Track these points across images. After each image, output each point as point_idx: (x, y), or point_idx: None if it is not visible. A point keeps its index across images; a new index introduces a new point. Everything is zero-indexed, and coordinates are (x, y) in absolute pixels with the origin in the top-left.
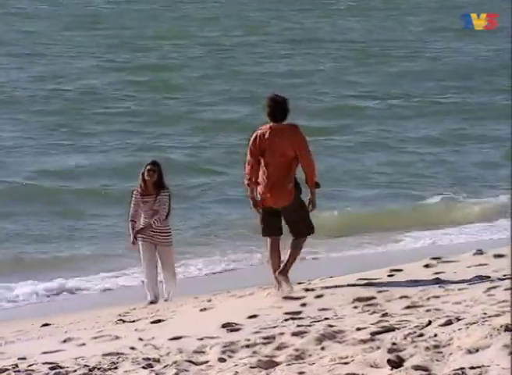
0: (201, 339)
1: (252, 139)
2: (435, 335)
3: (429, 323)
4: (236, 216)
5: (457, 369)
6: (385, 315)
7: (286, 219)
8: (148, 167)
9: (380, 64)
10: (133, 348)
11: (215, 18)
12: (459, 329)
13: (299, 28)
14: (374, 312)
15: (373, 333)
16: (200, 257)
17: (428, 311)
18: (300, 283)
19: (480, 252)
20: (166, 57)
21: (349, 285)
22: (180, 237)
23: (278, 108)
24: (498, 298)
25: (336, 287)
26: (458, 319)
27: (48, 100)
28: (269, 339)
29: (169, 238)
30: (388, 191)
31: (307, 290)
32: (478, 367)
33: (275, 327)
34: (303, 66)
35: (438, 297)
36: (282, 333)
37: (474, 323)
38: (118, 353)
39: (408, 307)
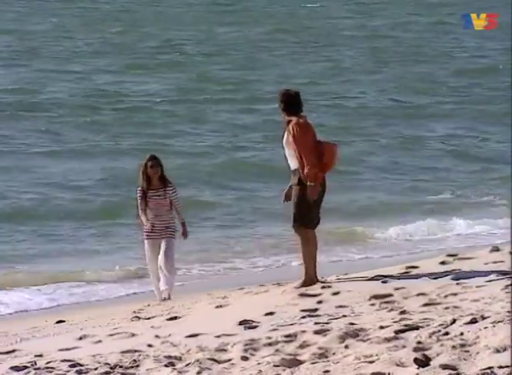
0: (219, 336)
1: (304, 131)
2: (461, 334)
3: (454, 321)
4: None
5: (486, 369)
6: (403, 312)
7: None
8: (150, 163)
9: None
10: (150, 346)
11: None
12: (485, 327)
13: None
14: (391, 310)
15: (397, 332)
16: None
17: (446, 308)
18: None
19: (496, 249)
20: None
21: (365, 282)
22: None
23: (298, 101)
24: None
25: (352, 284)
26: (483, 318)
27: None
28: (291, 337)
29: (175, 231)
30: None
31: (323, 287)
32: (507, 366)
33: (292, 325)
34: None
35: (455, 294)
36: (303, 331)
37: (500, 321)
38: (135, 350)
39: (426, 304)
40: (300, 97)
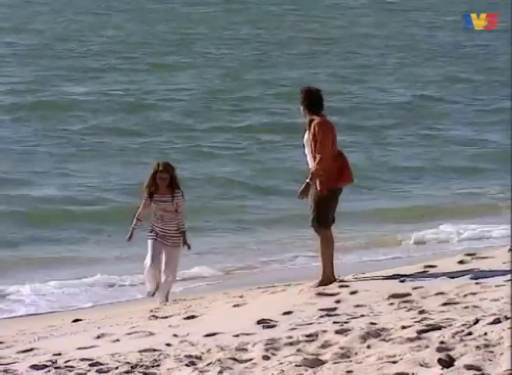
0: (237, 335)
1: (326, 132)
2: (485, 334)
3: (477, 321)
4: None
5: (511, 370)
6: (422, 312)
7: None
8: (159, 174)
9: None
10: (168, 345)
11: None
12: (508, 327)
13: None
14: (410, 309)
15: (419, 332)
16: None
17: (466, 308)
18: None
19: None
20: None
21: (383, 281)
22: None
23: (320, 99)
24: None
25: (370, 283)
26: (506, 318)
27: None
28: (312, 337)
29: (180, 240)
30: None
31: (341, 286)
32: None
33: (311, 324)
34: None
35: (474, 294)
36: (324, 331)
37: None
38: (154, 349)
39: (445, 304)
40: (321, 95)
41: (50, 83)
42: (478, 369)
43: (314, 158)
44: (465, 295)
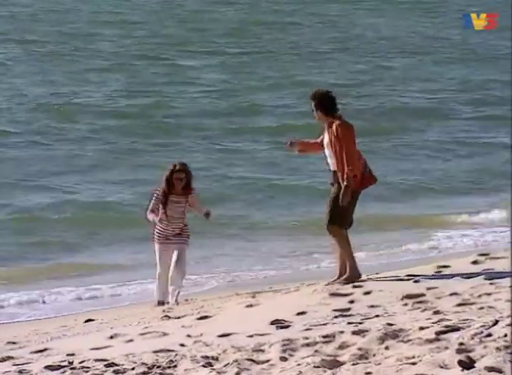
0: (251, 336)
1: (349, 133)
2: (505, 335)
3: (496, 322)
4: None
5: None
6: (436, 312)
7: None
8: (176, 175)
9: None
10: (182, 345)
11: None
12: None
13: None
14: (425, 310)
15: (438, 333)
16: None
17: (481, 309)
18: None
19: None
20: None
21: (396, 281)
22: None
23: (335, 101)
24: None
25: (384, 283)
26: None
27: None
28: (329, 337)
29: (188, 238)
30: None
31: (354, 286)
32: None
33: (325, 324)
34: None
35: (489, 294)
36: (341, 332)
37: None
38: (168, 350)
39: (460, 304)
40: (334, 96)
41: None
42: (499, 371)
43: (338, 159)
44: (480, 296)
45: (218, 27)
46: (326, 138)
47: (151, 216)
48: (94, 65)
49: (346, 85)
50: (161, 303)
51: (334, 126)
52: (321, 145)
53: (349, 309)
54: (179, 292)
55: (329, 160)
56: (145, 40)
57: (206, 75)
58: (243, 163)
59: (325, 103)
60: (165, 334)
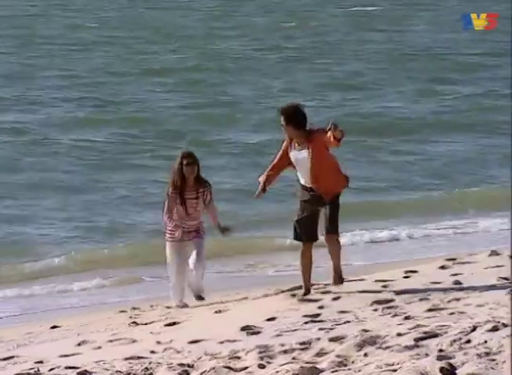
0: (222, 342)
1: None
2: (485, 342)
3: (474, 328)
4: None
5: None
6: (407, 318)
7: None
8: (186, 161)
9: None
10: (153, 352)
11: None
12: (508, 335)
13: None
14: (395, 315)
15: (417, 339)
16: None
17: (451, 314)
18: (312, 285)
19: (495, 253)
20: None
21: (365, 287)
22: None
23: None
24: None
25: (352, 288)
26: (504, 325)
27: None
28: (306, 344)
29: (204, 233)
30: None
31: (323, 292)
32: None
33: (296, 330)
34: None
35: (458, 299)
36: (318, 339)
37: None
38: (139, 357)
39: (430, 310)
40: (303, 109)
41: None
42: None
43: (317, 173)
44: (449, 301)
45: None
46: (303, 153)
47: (167, 219)
48: None
49: None
50: (184, 306)
51: (314, 139)
52: (287, 163)
53: (319, 315)
54: (202, 287)
55: (305, 174)
56: None
57: None
58: None
59: (297, 118)
60: (133, 341)
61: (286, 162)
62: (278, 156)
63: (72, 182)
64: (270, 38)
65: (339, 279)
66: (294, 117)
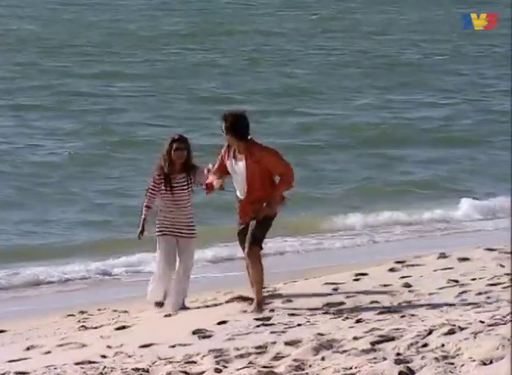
0: (173, 346)
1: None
2: (442, 345)
3: (430, 332)
4: None
5: None
6: (359, 321)
7: None
8: (176, 144)
9: None
10: (104, 357)
11: None
12: (465, 338)
13: None
14: (347, 318)
15: (373, 343)
16: None
17: (402, 317)
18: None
19: (444, 256)
20: None
21: (315, 290)
22: None
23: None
24: (473, 303)
25: (302, 291)
26: (461, 328)
27: None
28: (262, 348)
29: (194, 229)
30: None
31: (272, 295)
32: None
33: (248, 334)
34: None
35: (409, 302)
36: (274, 343)
37: (480, 332)
38: (90, 362)
39: (381, 312)
40: (247, 118)
41: None
42: None
43: (249, 188)
44: (399, 304)
45: None
46: (240, 165)
47: (144, 210)
48: None
49: None
50: (159, 304)
51: (254, 150)
52: (225, 171)
53: (270, 318)
54: (184, 297)
55: (242, 185)
56: None
57: None
58: None
59: (240, 126)
60: (83, 345)
61: (224, 170)
62: (216, 164)
63: None
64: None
65: (257, 306)
66: (237, 127)
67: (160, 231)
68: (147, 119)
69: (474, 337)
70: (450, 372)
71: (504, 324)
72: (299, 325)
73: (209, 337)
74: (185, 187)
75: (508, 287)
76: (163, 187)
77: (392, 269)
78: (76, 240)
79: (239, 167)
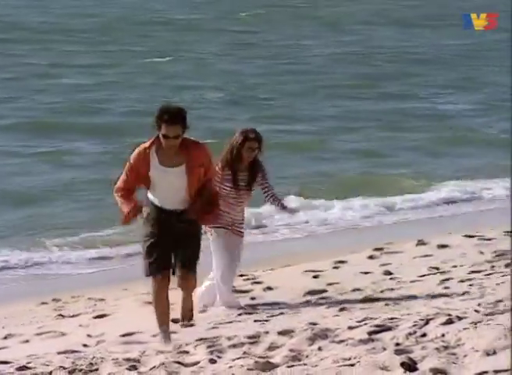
0: (155, 336)
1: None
2: (443, 335)
3: (427, 321)
4: None
5: (481, 373)
6: (343, 309)
7: None
8: (249, 144)
9: None
10: (85, 345)
11: None
12: (464, 328)
13: None
14: (330, 306)
15: (370, 333)
16: None
17: (386, 305)
18: (241, 276)
19: (422, 243)
20: None
21: (295, 277)
22: None
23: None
24: (457, 291)
25: (283, 279)
26: (459, 318)
27: None
28: (255, 338)
29: (244, 227)
30: None
31: (254, 283)
32: (504, 371)
33: (230, 322)
34: None
35: (392, 289)
36: (266, 332)
37: (479, 322)
38: (73, 351)
39: (364, 300)
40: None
41: None
42: (444, 372)
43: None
44: (382, 291)
45: None
46: (176, 170)
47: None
48: None
49: None
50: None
51: (196, 151)
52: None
53: (252, 306)
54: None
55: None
56: None
57: None
58: None
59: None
60: (63, 334)
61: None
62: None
63: None
64: None
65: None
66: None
67: (219, 226)
68: None
69: (475, 327)
70: (453, 363)
71: (501, 314)
72: (282, 313)
73: (192, 325)
74: (247, 189)
75: (489, 274)
76: (228, 184)
77: (371, 257)
78: None
79: (172, 173)
